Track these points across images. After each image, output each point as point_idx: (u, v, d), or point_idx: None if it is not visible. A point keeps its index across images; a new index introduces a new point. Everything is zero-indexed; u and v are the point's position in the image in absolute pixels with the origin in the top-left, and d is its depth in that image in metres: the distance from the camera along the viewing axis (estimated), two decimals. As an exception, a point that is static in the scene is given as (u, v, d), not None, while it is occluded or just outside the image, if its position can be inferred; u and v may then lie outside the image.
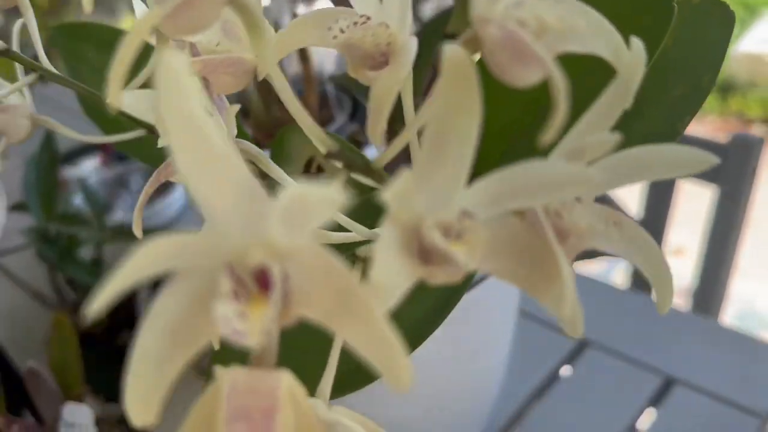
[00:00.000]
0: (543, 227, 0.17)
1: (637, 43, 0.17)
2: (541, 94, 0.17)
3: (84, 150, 1.15)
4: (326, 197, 0.13)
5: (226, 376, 0.15)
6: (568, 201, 0.18)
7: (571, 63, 0.18)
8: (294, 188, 0.13)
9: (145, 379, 0.15)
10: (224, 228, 0.15)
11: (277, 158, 0.32)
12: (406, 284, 0.16)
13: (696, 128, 3.04)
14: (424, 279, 0.17)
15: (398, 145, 0.18)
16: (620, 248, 0.19)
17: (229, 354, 0.23)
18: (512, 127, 0.20)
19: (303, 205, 0.14)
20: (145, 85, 0.31)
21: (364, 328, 0.14)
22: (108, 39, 0.42)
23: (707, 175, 0.94)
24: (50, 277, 0.75)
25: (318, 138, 0.19)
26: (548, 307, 0.17)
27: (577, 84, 0.18)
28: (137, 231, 0.22)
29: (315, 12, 0.20)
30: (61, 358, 0.60)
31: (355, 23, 0.20)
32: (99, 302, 0.12)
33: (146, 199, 0.22)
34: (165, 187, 1.01)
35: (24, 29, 0.33)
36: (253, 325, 0.14)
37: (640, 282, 1.04)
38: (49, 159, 0.65)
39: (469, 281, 0.33)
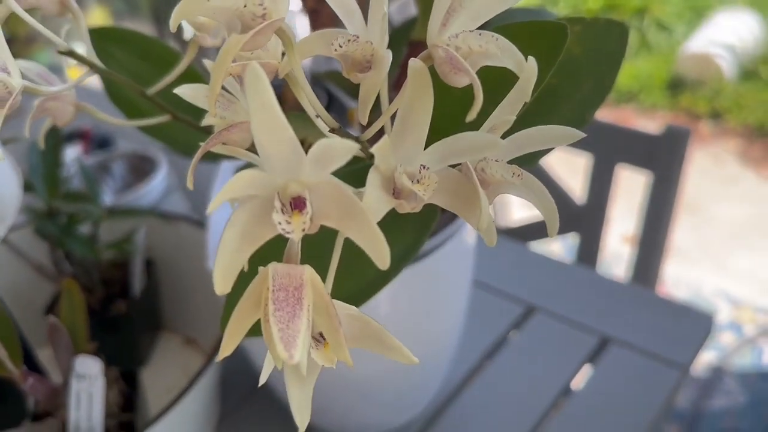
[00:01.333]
0: (472, 175, 0.27)
1: (531, 59, 0.27)
2: (470, 93, 0.27)
3: (67, 138, 1.22)
4: (346, 145, 0.23)
5: (271, 267, 0.25)
6: (490, 161, 0.27)
7: (490, 72, 0.27)
8: (324, 140, 0.22)
9: (225, 264, 0.24)
10: (275, 170, 0.22)
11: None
12: (385, 209, 0.26)
13: (647, 123, 3.18)
14: (396, 208, 0.27)
15: (378, 124, 0.28)
16: (522, 192, 0.29)
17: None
18: (452, 113, 0.29)
19: (330, 151, 0.22)
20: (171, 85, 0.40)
21: (362, 228, 0.23)
22: (130, 40, 0.50)
23: (643, 162, 1.05)
24: (50, 252, 0.82)
25: (325, 118, 0.29)
26: (472, 224, 0.26)
27: (494, 85, 0.28)
28: (190, 184, 0.32)
29: (321, 32, 0.30)
30: (70, 319, 0.68)
31: (349, 40, 0.29)
32: (213, 206, 0.22)
33: (199, 158, 0.32)
34: (147, 175, 1.09)
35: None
36: (295, 227, 0.23)
37: (586, 258, 1.15)
38: (54, 143, 0.73)
39: (418, 243, 0.41)
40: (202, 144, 0.33)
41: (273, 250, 0.26)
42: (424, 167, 0.26)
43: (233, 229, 0.24)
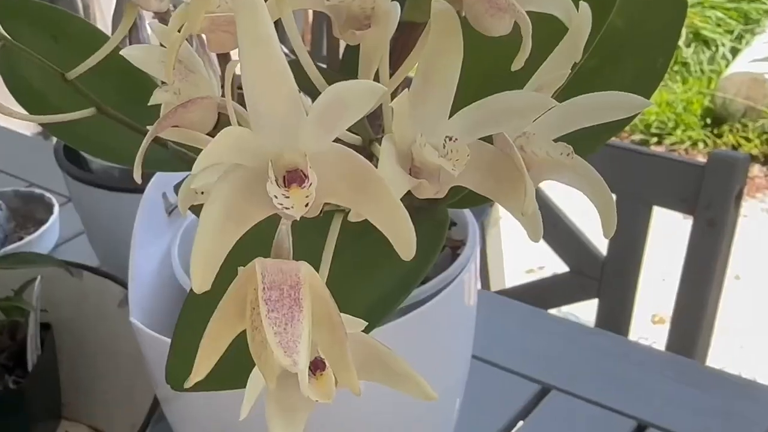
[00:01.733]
0: (512, 149, 0.28)
1: (584, 6, 0.28)
2: (508, 49, 0.28)
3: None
4: (365, 88, 0.23)
5: (258, 263, 0.26)
6: (532, 135, 0.29)
7: (535, 24, 0.28)
8: (333, 86, 0.23)
9: (206, 251, 0.25)
10: (267, 133, 0.24)
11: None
12: (401, 189, 0.27)
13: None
14: (413, 192, 0.28)
15: (390, 85, 0.30)
16: (572, 179, 0.30)
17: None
18: (485, 70, 0.30)
19: (340, 101, 0.23)
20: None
21: (381, 203, 0.24)
22: (41, 15, 0.51)
23: (683, 202, 1.07)
24: None
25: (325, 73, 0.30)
26: (510, 210, 0.28)
27: (537, 38, 0.30)
28: (138, 177, 0.32)
29: (312, -20, 0.31)
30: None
31: (345, -11, 0.30)
32: (196, 181, 0.23)
33: (146, 148, 0.32)
34: (34, 221, 1.08)
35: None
36: (295, 202, 0.23)
37: (611, 323, 1.16)
38: None
39: (426, 264, 0.42)
40: (149, 128, 0.33)
41: (251, 247, 0.26)
42: (450, 139, 0.27)
43: (214, 206, 0.25)
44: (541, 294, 1.23)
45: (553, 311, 1.07)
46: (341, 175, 0.25)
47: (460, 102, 0.28)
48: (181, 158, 0.37)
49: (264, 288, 0.25)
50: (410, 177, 0.27)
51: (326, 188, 0.24)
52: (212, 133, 0.31)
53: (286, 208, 0.24)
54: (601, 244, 1.21)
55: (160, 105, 0.37)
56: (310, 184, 0.24)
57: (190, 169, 0.29)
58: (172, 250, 0.57)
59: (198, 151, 0.24)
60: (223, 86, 0.33)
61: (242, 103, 0.26)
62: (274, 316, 0.24)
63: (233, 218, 0.25)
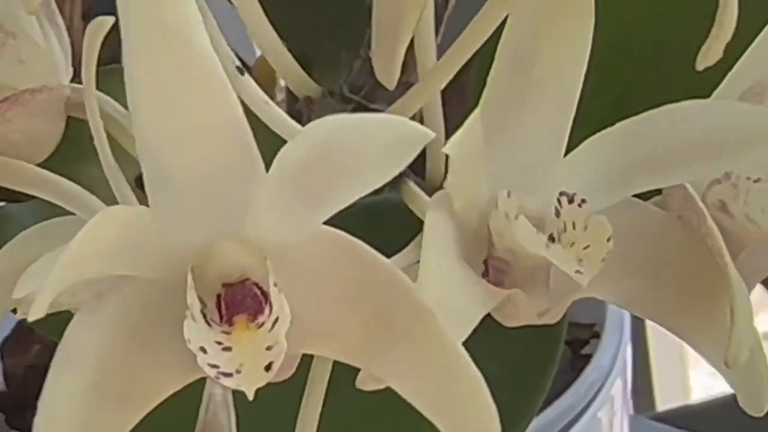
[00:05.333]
0: (702, 220, 0.18)
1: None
2: (683, 19, 0.19)
3: None
4: (395, 127, 0.14)
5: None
6: (742, 180, 0.19)
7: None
8: (324, 123, 0.14)
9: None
10: (184, 210, 0.15)
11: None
12: (469, 319, 0.17)
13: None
14: (499, 315, 0.18)
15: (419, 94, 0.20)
16: None
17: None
18: (638, 67, 0.20)
19: (340, 150, 0.14)
20: None
21: (425, 360, 0.15)
22: None
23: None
24: None
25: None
26: (699, 349, 0.18)
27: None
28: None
29: None
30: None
31: None
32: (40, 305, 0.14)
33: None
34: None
35: None
36: (246, 358, 0.15)
37: None
38: None
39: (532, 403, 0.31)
40: None
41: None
42: (569, 199, 0.18)
43: (75, 371, 0.16)
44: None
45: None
46: (339, 294, 0.16)
47: (585, 123, 0.18)
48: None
49: None
50: (486, 284, 0.18)
51: (309, 326, 0.16)
52: (53, 164, 0.23)
53: (225, 374, 0.15)
54: None
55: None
56: (275, 320, 0.15)
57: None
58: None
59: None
60: (78, 69, 0.22)
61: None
62: None
63: (114, 395, 0.16)
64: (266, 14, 0.23)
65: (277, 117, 0.22)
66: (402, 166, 0.15)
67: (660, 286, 0.19)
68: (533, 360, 0.29)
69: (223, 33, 0.21)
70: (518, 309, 0.18)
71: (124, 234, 0.15)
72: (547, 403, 0.42)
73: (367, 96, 0.39)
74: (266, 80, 0.27)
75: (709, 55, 0.18)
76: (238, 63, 0.25)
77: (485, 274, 0.18)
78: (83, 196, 0.21)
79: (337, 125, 0.15)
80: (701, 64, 0.17)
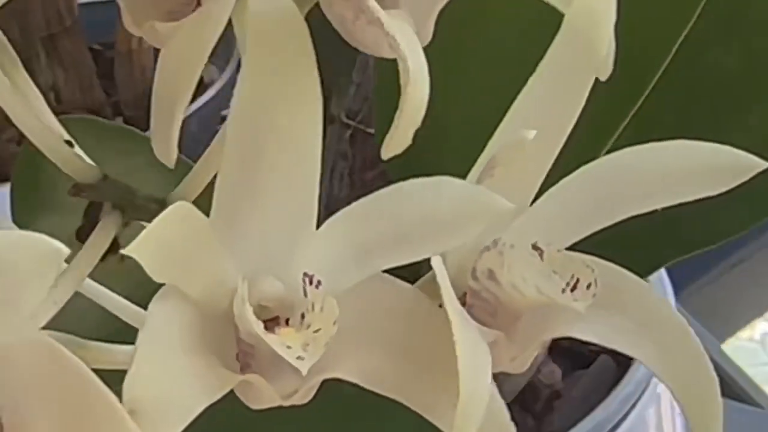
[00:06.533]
0: (446, 290, 0.17)
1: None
2: None
3: None
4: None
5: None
6: (506, 249, 0.19)
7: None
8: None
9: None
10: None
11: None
12: (196, 402, 0.17)
13: None
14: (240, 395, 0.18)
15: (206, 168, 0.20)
16: (613, 336, 0.19)
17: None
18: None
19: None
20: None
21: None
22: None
23: None
24: None
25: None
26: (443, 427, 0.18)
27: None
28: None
29: None
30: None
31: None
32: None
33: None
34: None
35: None
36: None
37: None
38: None
39: None
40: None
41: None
42: (309, 278, 0.18)
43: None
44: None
45: None
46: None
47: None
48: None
49: None
50: (220, 370, 0.18)
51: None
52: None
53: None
54: None
55: None
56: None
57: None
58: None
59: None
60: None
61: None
62: None
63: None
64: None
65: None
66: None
67: (398, 361, 0.18)
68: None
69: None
70: (262, 393, 0.18)
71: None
72: (592, 407, 0.40)
73: (363, 121, 0.38)
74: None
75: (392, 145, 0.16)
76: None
77: (238, 357, 0.18)
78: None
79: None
80: (385, 155, 0.17)
